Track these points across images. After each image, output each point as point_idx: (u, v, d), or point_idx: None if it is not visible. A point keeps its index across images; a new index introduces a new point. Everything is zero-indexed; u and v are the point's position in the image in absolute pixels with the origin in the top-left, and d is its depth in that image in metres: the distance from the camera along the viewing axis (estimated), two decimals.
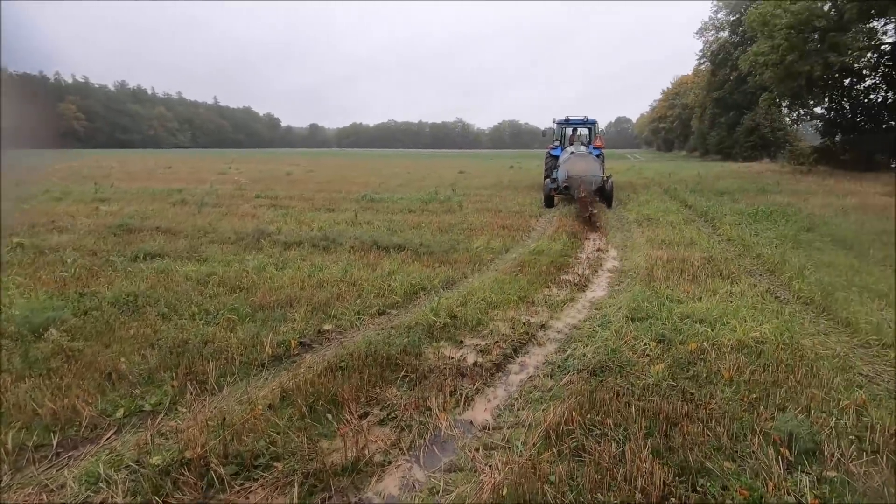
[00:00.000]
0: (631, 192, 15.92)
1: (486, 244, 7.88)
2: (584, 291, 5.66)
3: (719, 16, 48.70)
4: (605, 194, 12.36)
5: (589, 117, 16.10)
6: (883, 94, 24.13)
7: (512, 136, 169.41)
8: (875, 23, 21.21)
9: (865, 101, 24.80)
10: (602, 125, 18.77)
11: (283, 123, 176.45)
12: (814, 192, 14.85)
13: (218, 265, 6.33)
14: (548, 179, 13.70)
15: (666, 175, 23.02)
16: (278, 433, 2.78)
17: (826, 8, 21.26)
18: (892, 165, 22.93)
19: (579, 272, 6.35)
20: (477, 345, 4.04)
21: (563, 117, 16.04)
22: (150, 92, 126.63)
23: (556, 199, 12.89)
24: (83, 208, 11.32)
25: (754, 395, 3.13)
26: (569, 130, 16.49)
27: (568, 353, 3.88)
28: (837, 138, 26.16)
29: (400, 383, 3.41)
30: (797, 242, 7.65)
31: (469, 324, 4.43)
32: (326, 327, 4.39)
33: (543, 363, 3.78)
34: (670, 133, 77.91)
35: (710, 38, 50.87)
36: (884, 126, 23.61)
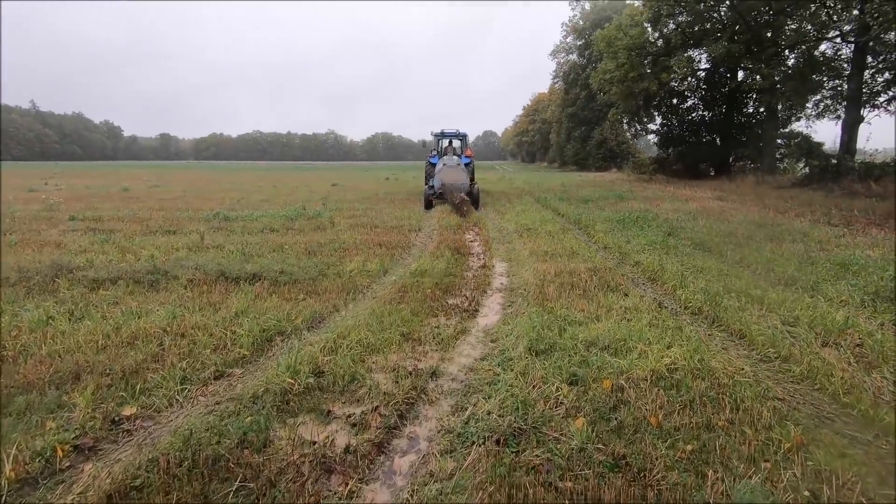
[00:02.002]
0: (506, 202, 16.06)
1: (361, 266, 6.85)
2: (475, 318, 4.94)
3: (568, 40, 53.59)
4: (472, 198, 14.50)
5: (461, 130, 18.46)
6: (701, 112, 28.25)
7: (387, 149, 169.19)
8: (692, 51, 24.73)
9: (689, 118, 28.81)
10: (472, 138, 21.43)
11: (127, 133, 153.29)
12: (661, 197, 16.33)
13: None
14: (427, 186, 15.37)
15: (534, 185, 24.06)
16: None
17: (656, 35, 24.35)
18: (712, 174, 26.77)
19: (467, 294, 5.66)
20: (350, 415, 3.02)
21: (439, 130, 18.36)
22: None
23: (434, 202, 14.60)
24: None
25: (690, 448, 2.60)
26: (445, 142, 18.44)
27: (468, 411, 3.06)
28: (670, 150, 29.98)
29: (233, 501, 2.27)
30: (666, 248, 7.89)
31: (340, 382, 3.39)
32: (127, 412, 3.02)
33: (439, 431, 2.90)
34: (532, 146, 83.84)
35: (562, 60, 55.78)
36: (704, 140, 27.62)
